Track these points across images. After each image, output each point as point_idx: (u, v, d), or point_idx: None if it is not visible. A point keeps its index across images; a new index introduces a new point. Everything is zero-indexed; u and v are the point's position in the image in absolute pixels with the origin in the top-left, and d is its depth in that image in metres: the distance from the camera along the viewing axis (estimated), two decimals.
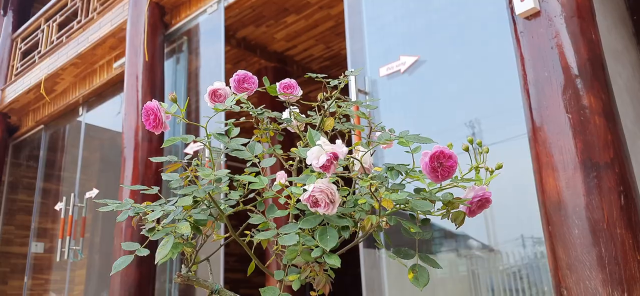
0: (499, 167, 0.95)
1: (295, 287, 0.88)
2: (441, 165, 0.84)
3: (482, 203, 0.92)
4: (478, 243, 2.28)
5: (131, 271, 3.30)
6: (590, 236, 1.61)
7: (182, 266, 0.98)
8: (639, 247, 1.58)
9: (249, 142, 1.02)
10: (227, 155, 1.08)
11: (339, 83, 1.05)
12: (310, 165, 0.85)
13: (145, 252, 0.89)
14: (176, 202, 0.91)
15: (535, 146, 1.81)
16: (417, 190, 0.88)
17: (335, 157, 0.81)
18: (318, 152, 0.82)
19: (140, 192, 1.09)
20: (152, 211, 0.91)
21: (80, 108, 5.12)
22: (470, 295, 2.22)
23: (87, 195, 4.38)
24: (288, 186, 0.91)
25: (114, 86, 4.69)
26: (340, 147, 0.82)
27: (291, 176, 1.06)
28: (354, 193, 0.97)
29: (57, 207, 4.68)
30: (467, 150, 0.94)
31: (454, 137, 2.33)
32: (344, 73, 1.09)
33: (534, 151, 1.82)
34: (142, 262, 3.32)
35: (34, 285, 5.20)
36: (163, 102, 0.98)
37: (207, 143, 0.93)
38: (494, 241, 2.23)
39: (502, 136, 2.24)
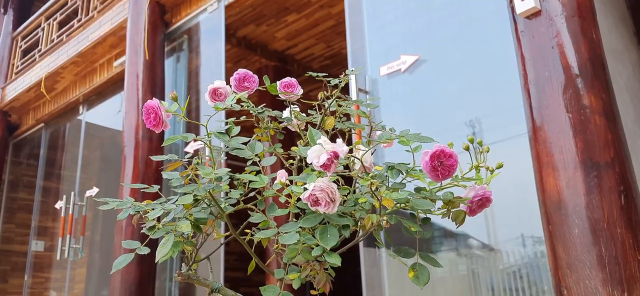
0: (500, 167, 0.95)
1: (295, 286, 0.88)
2: (441, 164, 0.84)
3: (482, 202, 0.92)
4: (478, 242, 2.28)
5: (132, 269, 3.30)
6: (591, 236, 1.61)
7: (183, 264, 0.98)
8: (639, 247, 1.58)
9: (250, 140, 1.01)
10: (227, 154, 1.08)
11: (340, 82, 1.04)
12: (311, 164, 0.85)
13: (145, 250, 0.89)
14: (177, 200, 0.91)
15: (536, 145, 1.81)
16: (418, 189, 0.88)
17: (336, 156, 0.81)
18: (319, 150, 0.81)
19: (141, 190, 1.09)
20: (153, 209, 0.90)
21: (81, 107, 5.12)
22: (470, 294, 2.22)
23: (88, 193, 4.38)
24: (288, 185, 0.91)
25: (115, 85, 4.70)
26: (340, 146, 0.82)
27: (292, 175, 1.06)
28: (354, 192, 0.97)
29: (57, 206, 4.67)
30: (467, 149, 0.94)
31: (455, 136, 2.33)
32: (345, 72, 1.09)
33: (534, 150, 1.82)
34: (143, 260, 3.33)
35: (34, 283, 5.20)
36: (163, 100, 0.98)
37: (208, 142, 0.93)
38: (494, 241, 2.23)
39: (503, 135, 2.24)
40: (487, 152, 0.95)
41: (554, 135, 1.75)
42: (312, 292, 0.93)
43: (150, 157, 1.06)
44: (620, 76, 2.38)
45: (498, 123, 2.27)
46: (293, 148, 1.03)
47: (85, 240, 4.50)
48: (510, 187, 2.11)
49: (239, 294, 0.95)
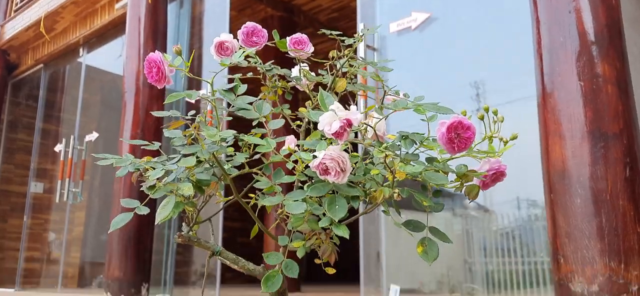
0: (514, 137, 0.92)
1: (299, 255, 0.85)
2: (459, 136, 0.80)
3: (496, 176, 0.89)
4: (474, 204, 2.28)
5: None
6: (592, 206, 1.60)
7: (183, 225, 0.96)
8: None
9: (256, 100, 0.97)
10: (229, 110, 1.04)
11: (355, 42, 0.99)
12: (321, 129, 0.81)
13: (145, 210, 0.86)
14: (179, 160, 0.87)
15: (544, 113, 1.77)
16: (430, 160, 0.85)
17: (350, 124, 0.77)
18: (331, 117, 0.77)
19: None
20: (153, 169, 0.87)
21: (81, 49, 5.03)
22: (464, 252, 2.24)
23: (87, 138, 4.35)
24: (296, 150, 0.87)
25: (116, 28, 4.59)
26: (354, 114, 0.78)
27: (299, 138, 1.02)
28: (364, 160, 0.93)
29: (56, 149, 4.66)
30: (482, 118, 0.91)
31: (462, 97, 2.30)
32: (360, 30, 1.04)
33: (542, 117, 1.79)
34: None
35: (33, 224, 5.25)
36: (165, 46, 0.93)
37: (213, 101, 0.89)
38: (489, 203, 2.24)
39: (509, 98, 2.21)
40: (502, 121, 0.92)
41: (563, 102, 1.72)
42: (317, 261, 0.91)
43: (152, 113, 1.03)
44: (635, 45, 2.32)
45: (505, 86, 2.24)
46: (301, 109, 0.99)
47: (85, 184, 4.51)
48: (514, 151, 2.09)
49: (240, 258, 0.94)
